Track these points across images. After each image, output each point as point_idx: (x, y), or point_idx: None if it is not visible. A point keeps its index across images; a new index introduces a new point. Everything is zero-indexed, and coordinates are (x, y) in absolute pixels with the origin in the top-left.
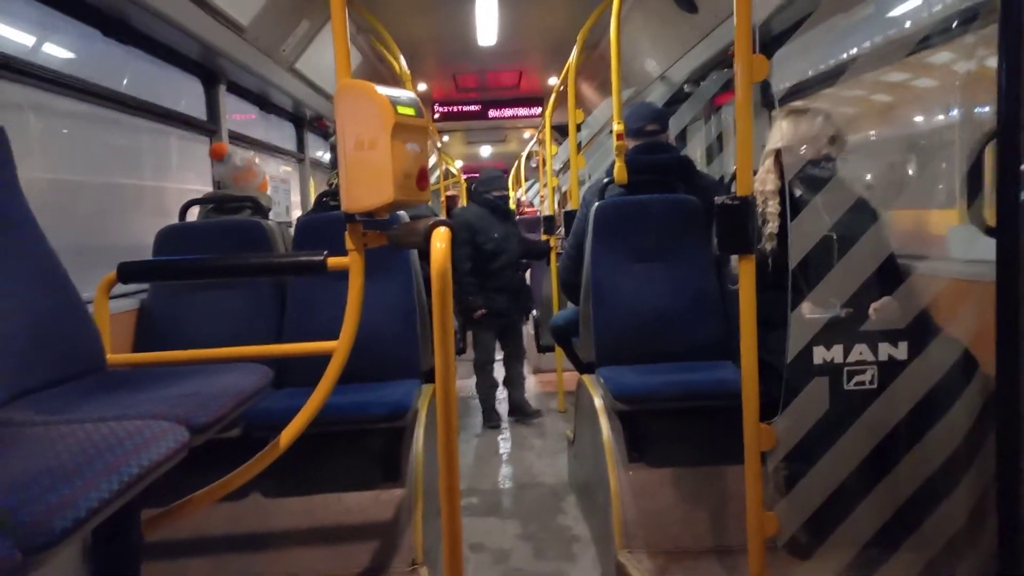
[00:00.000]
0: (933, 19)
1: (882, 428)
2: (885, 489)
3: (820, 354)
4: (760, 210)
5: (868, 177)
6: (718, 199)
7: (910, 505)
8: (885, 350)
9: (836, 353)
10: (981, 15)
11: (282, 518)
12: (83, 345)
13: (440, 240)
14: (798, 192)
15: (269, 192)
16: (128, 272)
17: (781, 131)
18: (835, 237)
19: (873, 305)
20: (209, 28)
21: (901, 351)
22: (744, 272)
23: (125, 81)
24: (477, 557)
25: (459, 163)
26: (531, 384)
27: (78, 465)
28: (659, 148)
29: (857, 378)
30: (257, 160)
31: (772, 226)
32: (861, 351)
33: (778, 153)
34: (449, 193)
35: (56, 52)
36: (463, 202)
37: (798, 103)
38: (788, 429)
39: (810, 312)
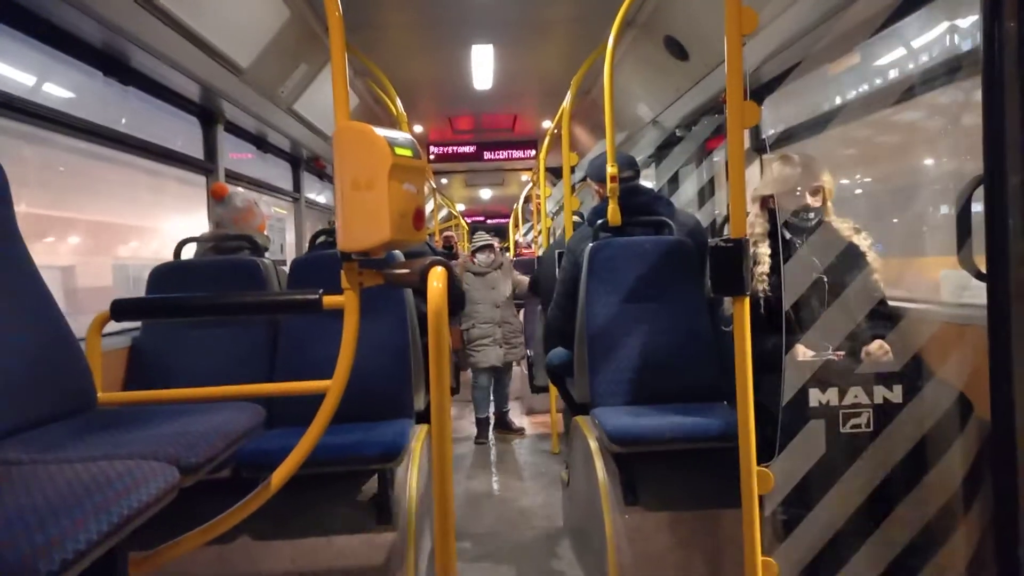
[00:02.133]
0: (919, 69)
1: (879, 472)
2: (883, 534)
3: (816, 396)
4: (751, 253)
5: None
6: (711, 241)
7: (908, 551)
8: (880, 393)
9: (832, 395)
10: (964, 66)
11: (271, 562)
12: (74, 383)
13: (436, 279)
14: (787, 235)
15: (266, 232)
16: (121, 309)
17: (768, 176)
18: (826, 280)
19: (865, 348)
20: (209, 69)
21: (896, 394)
22: (738, 314)
23: (124, 120)
24: None
25: (460, 206)
26: (524, 425)
27: (66, 506)
28: (637, 191)
29: (853, 421)
30: (256, 202)
31: (763, 268)
32: (856, 394)
33: (765, 198)
34: (446, 234)
35: (56, 92)
36: (463, 245)
37: (785, 151)
38: (785, 472)
39: (803, 355)
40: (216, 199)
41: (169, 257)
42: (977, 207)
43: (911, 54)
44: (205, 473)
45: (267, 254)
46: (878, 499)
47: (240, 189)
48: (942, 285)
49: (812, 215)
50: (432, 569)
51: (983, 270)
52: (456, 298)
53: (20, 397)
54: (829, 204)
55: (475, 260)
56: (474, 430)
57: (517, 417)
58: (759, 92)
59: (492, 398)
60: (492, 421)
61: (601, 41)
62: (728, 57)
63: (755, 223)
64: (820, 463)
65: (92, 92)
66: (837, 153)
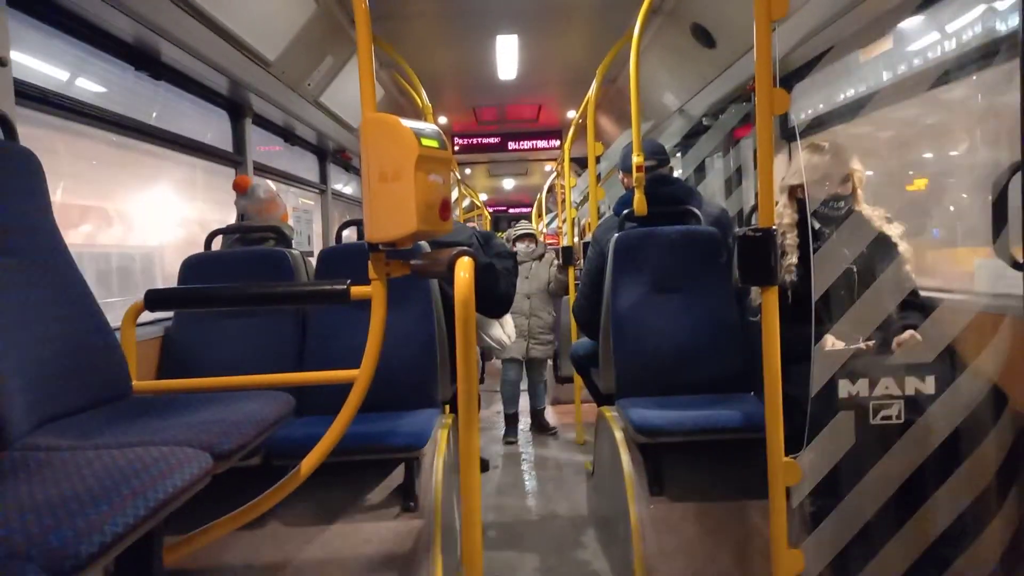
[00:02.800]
0: (955, 54)
1: (910, 464)
2: (914, 527)
3: (845, 387)
4: (779, 243)
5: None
6: (739, 231)
7: (940, 544)
8: (912, 384)
9: (862, 387)
10: (1003, 50)
11: (300, 547)
12: (110, 372)
13: (464, 270)
14: (816, 225)
15: (291, 223)
16: (155, 300)
17: (796, 164)
18: (856, 271)
19: (896, 339)
20: (237, 62)
21: (928, 385)
22: (767, 304)
23: (155, 114)
24: None
25: (483, 196)
26: (549, 415)
27: (104, 490)
28: (664, 181)
29: (883, 412)
30: (279, 193)
31: (791, 258)
32: (887, 385)
33: (793, 187)
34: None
35: (89, 86)
36: None
37: (816, 139)
38: (813, 464)
39: (832, 345)
40: (239, 191)
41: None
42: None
43: (945, 38)
44: (237, 460)
45: (295, 245)
46: (909, 491)
47: (262, 180)
48: (976, 274)
49: (842, 204)
50: (458, 555)
51: (1020, 259)
52: (501, 298)
53: (59, 385)
54: (859, 192)
55: (515, 248)
56: (498, 420)
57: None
58: (788, 79)
59: (526, 392)
60: (519, 418)
61: (627, 29)
62: (757, 43)
63: (783, 213)
64: (849, 455)
65: (124, 87)
66: (874, 138)
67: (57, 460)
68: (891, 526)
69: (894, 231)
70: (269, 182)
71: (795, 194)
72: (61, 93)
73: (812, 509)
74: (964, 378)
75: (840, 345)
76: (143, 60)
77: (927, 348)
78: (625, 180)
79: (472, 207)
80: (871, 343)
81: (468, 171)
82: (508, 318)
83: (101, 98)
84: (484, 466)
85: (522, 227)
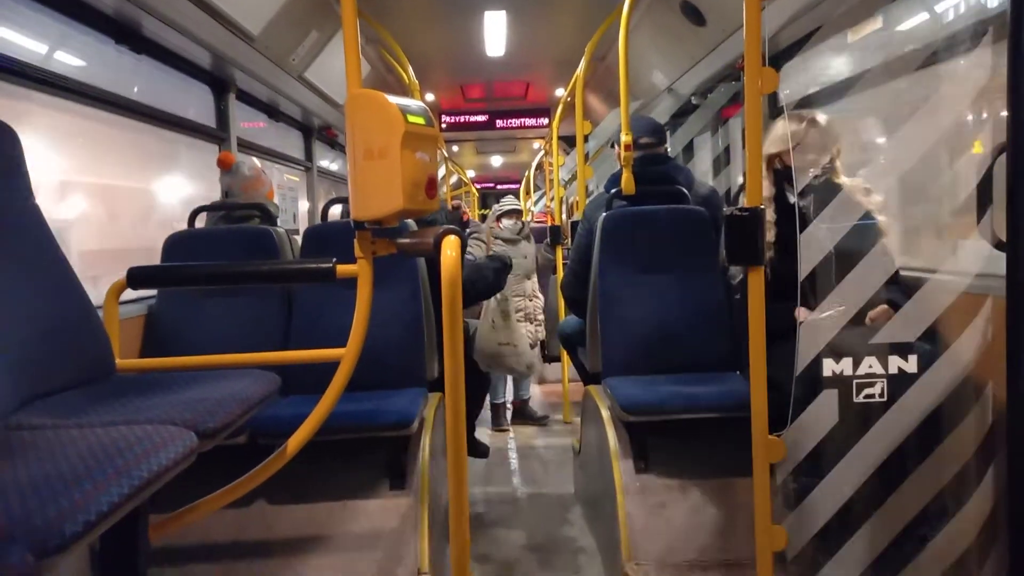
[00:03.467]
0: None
1: (892, 441)
2: (895, 503)
3: (829, 366)
4: None
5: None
6: (727, 210)
7: (919, 520)
8: (895, 363)
9: (845, 365)
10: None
11: (287, 525)
12: (93, 350)
13: (450, 248)
14: (792, 199)
15: (276, 200)
16: (137, 277)
17: (773, 133)
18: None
19: (870, 314)
20: (220, 37)
21: (911, 364)
22: (754, 284)
23: (136, 88)
24: (482, 568)
25: (471, 173)
26: (536, 393)
27: (88, 469)
28: (656, 160)
29: (867, 391)
30: (264, 169)
31: (769, 235)
32: (871, 364)
33: (771, 157)
34: (455, 203)
35: (69, 60)
36: (473, 214)
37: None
38: (797, 442)
39: (803, 316)
40: (223, 168)
41: None
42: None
43: (935, 18)
44: (222, 438)
45: (280, 223)
46: (890, 468)
47: (247, 157)
48: (959, 254)
49: (820, 174)
50: (445, 533)
51: (1003, 239)
52: (491, 285)
53: (41, 364)
54: (838, 164)
55: (501, 226)
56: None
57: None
58: (777, 58)
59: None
60: (510, 409)
61: (616, 7)
62: (747, 22)
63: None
64: (833, 433)
65: (105, 60)
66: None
67: (40, 439)
68: (872, 503)
69: (873, 203)
70: (254, 159)
71: (772, 164)
72: (39, 66)
73: (795, 486)
74: (945, 356)
75: (812, 315)
76: (124, 34)
77: (899, 324)
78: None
79: (460, 184)
80: (842, 307)
81: (456, 148)
82: (522, 334)
83: (82, 72)
84: (484, 451)
85: (508, 203)
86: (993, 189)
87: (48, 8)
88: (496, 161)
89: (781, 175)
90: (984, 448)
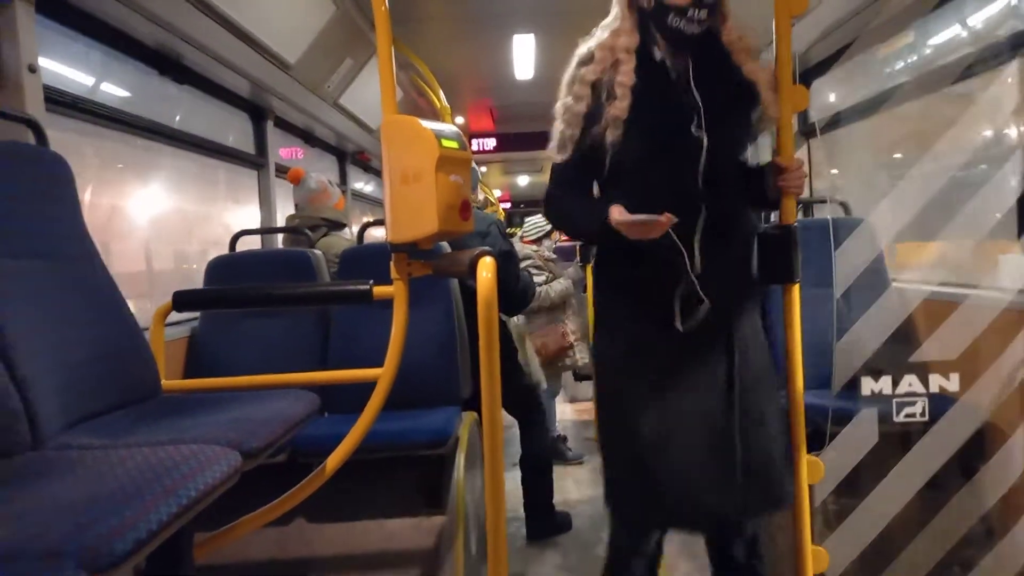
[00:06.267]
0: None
1: (934, 461)
2: (939, 525)
3: (868, 385)
4: (605, 79)
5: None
6: (760, 227)
7: (964, 542)
8: (936, 381)
9: (885, 384)
10: None
11: (326, 543)
12: (140, 372)
13: (486, 269)
14: (659, 54)
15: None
16: (183, 301)
17: None
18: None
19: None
20: (258, 66)
21: (953, 383)
22: (788, 301)
23: (178, 117)
24: None
25: (497, 192)
26: (567, 412)
27: (137, 488)
28: None
29: (907, 410)
30: (330, 182)
31: (618, 107)
32: (911, 382)
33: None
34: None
35: (115, 91)
36: None
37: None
38: (836, 461)
39: (620, 215)
40: (293, 183)
41: None
42: None
43: (969, 32)
44: (265, 457)
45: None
46: (933, 489)
47: (313, 173)
48: (1001, 270)
49: (701, 15)
50: (482, 552)
51: None
52: (518, 292)
53: (90, 386)
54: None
55: (544, 247)
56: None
57: (560, 406)
58: (807, 75)
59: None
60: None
61: None
62: (777, 39)
63: (619, 29)
64: (873, 452)
65: (150, 91)
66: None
67: (90, 459)
68: (917, 524)
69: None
70: (319, 175)
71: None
72: (89, 98)
73: (836, 507)
74: (988, 375)
75: (630, 217)
76: (166, 65)
77: (950, 344)
78: None
79: (487, 204)
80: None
81: (483, 169)
82: (533, 355)
83: (127, 103)
84: (565, 523)
85: (541, 223)
86: None
87: (96, 42)
88: (522, 181)
89: (648, 16)
90: None
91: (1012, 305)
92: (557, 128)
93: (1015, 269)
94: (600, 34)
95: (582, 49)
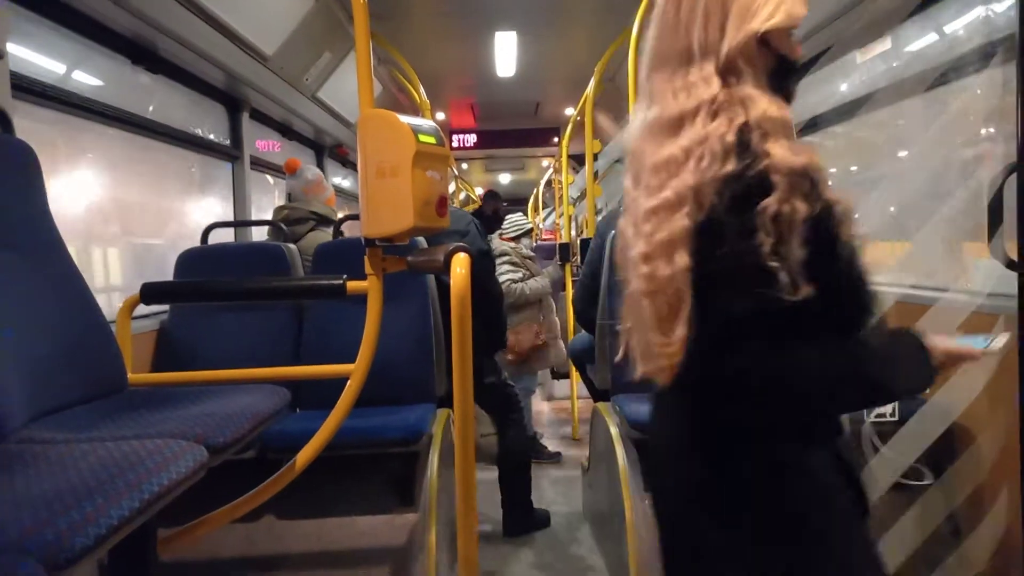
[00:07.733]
0: (952, 55)
1: (904, 461)
2: (909, 522)
3: None
4: None
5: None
6: None
7: (931, 541)
8: None
9: None
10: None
11: (295, 540)
12: (106, 365)
13: (460, 265)
14: None
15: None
16: (151, 293)
17: None
18: None
19: None
20: (235, 57)
21: None
22: None
23: (151, 107)
24: None
25: (479, 190)
26: (545, 410)
27: (99, 483)
28: None
29: (878, 410)
30: (325, 176)
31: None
32: None
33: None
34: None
35: (86, 80)
36: None
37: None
38: None
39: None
40: (289, 173)
41: None
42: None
43: (944, 39)
44: (232, 453)
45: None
46: (901, 489)
47: (309, 164)
48: (973, 274)
49: None
50: (453, 550)
51: (1015, 259)
52: (493, 292)
53: (54, 379)
54: None
55: (522, 245)
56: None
57: (538, 405)
58: None
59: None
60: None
61: (626, 27)
62: None
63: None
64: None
65: (122, 81)
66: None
67: (52, 453)
68: (887, 522)
69: None
70: (315, 167)
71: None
72: (58, 87)
73: None
74: (957, 376)
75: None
76: (141, 54)
77: None
78: None
79: (468, 201)
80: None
81: (465, 166)
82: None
83: (99, 92)
84: (543, 519)
85: (522, 221)
86: (1004, 209)
87: (67, 29)
88: (504, 179)
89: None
90: (998, 469)
91: (981, 308)
92: None
93: (985, 273)
94: None
95: None
